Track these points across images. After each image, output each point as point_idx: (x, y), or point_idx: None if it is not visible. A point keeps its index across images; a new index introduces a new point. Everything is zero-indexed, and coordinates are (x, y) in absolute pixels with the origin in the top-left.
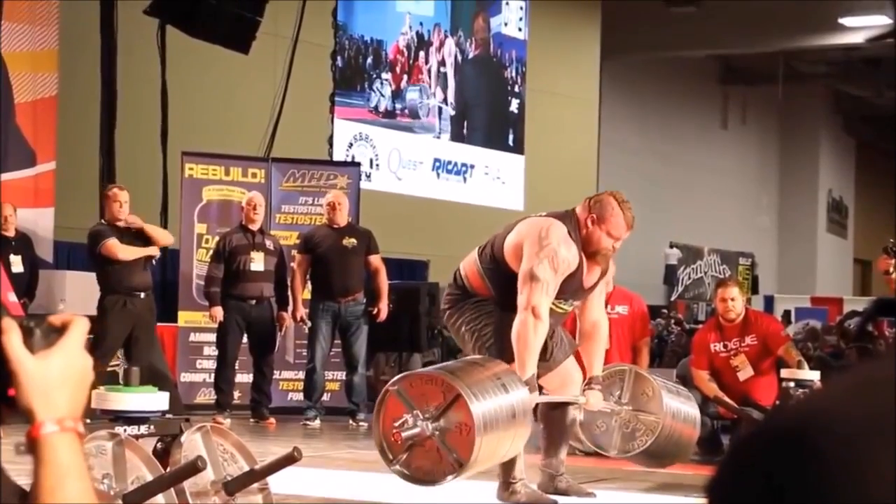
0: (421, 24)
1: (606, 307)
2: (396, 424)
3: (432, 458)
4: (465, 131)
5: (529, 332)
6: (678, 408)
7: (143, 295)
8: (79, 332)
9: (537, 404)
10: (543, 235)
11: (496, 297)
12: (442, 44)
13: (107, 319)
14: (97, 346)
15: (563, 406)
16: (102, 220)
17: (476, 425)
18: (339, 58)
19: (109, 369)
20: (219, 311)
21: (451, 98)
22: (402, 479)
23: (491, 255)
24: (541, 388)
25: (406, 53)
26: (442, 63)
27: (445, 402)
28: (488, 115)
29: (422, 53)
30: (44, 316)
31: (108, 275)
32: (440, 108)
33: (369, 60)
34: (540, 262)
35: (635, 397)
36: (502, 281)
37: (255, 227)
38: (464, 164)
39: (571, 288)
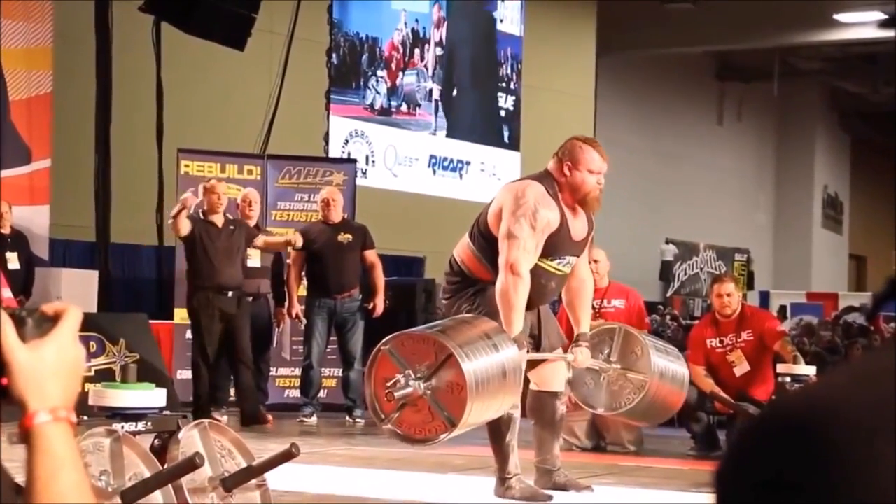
0: (416, 20)
1: (602, 301)
2: (388, 384)
3: (424, 417)
4: (460, 128)
5: (510, 290)
6: (666, 366)
7: (230, 293)
8: (72, 321)
9: (525, 400)
10: (520, 195)
11: (494, 274)
12: (441, 22)
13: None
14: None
15: (550, 400)
16: (200, 212)
17: (468, 384)
18: (334, 55)
19: (104, 367)
20: None
21: (449, 79)
22: (394, 438)
23: (479, 231)
24: (528, 381)
25: (401, 50)
26: (440, 43)
27: (437, 362)
28: (484, 111)
29: (417, 50)
30: (37, 306)
31: (196, 269)
32: (437, 104)
33: (364, 57)
34: (516, 221)
35: (624, 356)
36: (496, 255)
37: (251, 223)
38: (460, 161)
39: (562, 244)
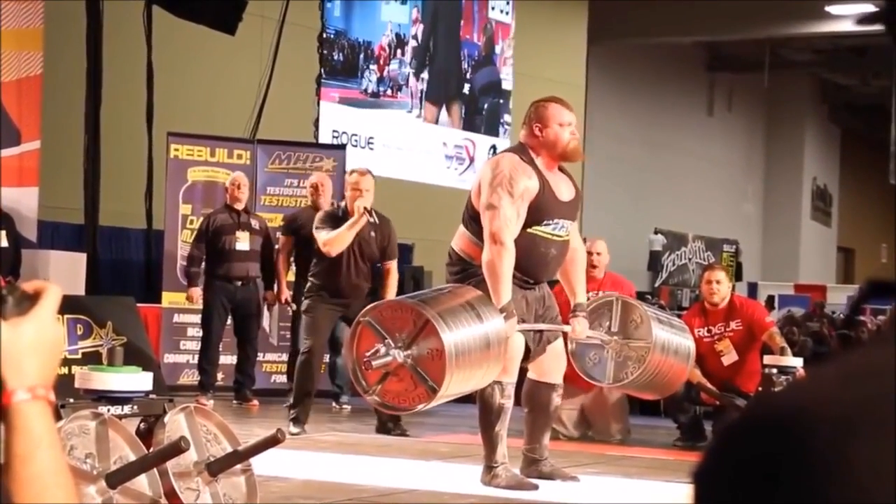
0: (399, 26)
1: (598, 293)
2: (368, 354)
3: (406, 386)
4: (450, 115)
5: (494, 260)
6: (668, 338)
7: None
8: (51, 300)
9: (520, 389)
10: (495, 167)
11: None
12: (417, 21)
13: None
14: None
15: (547, 391)
16: (340, 209)
17: (447, 349)
18: (339, 54)
19: (91, 349)
20: (196, 292)
21: (426, 67)
22: (379, 408)
23: (469, 216)
24: (524, 372)
25: (388, 50)
26: (416, 37)
27: (415, 329)
28: (474, 98)
29: (399, 50)
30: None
31: (318, 270)
32: (423, 91)
33: (361, 56)
34: (493, 191)
35: (624, 326)
36: None
37: (239, 206)
38: (450, 148)
39: (549, 207)
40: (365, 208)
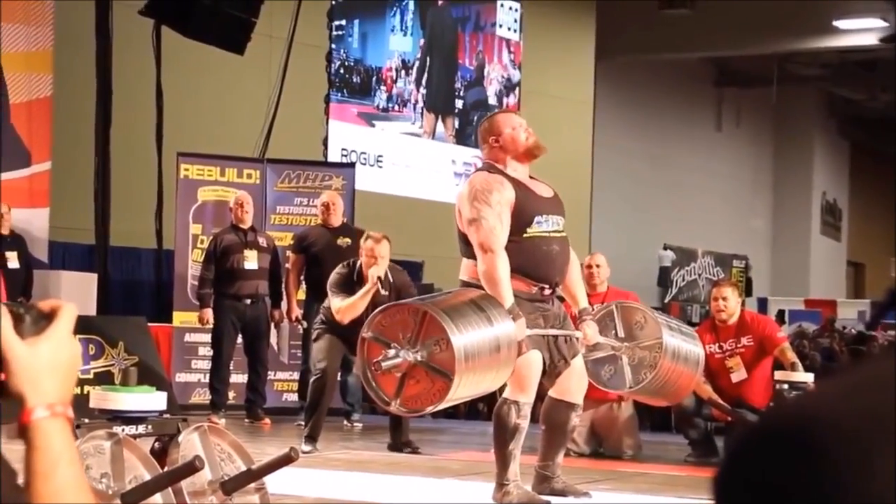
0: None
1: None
2: (377, 359)
3: (425, 386)
4: (446, 126)
5: (489, 267)
6: (679, 344)
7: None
8: (67, 318)
9: (536, 407)
10: (469, 187)
11: None
12: (422, 49)
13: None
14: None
15: (566, 410)
16: (353, 264)
17: (451, 334)
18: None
19: (103, 369)
20: (208, 313)
21: (424, 85)
22: (402, 416)
23: (464, 245)
24: (543, 388)
25: (395, 74)
26: (419, 59)
27: (416, 325)
28: (466, 112)
29: (403, 72)
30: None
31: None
32: (423, 107)
33: (373, 79)
34: (472, 206)
35: (629, 330)
36: None
37: (245, 225)
38: (459, 165)
39: (533, 206)
40: (379, 277)
